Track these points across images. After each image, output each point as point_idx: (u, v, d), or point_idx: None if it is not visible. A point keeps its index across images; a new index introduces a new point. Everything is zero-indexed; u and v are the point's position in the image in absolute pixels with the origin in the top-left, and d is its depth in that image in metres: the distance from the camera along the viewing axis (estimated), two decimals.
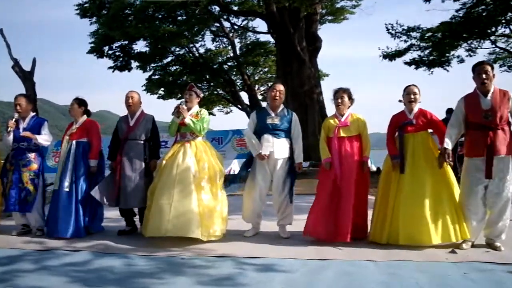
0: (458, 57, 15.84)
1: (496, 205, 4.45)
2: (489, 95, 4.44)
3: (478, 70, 4.51)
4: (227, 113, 30.41)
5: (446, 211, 4.53)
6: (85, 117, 5.66)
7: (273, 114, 5.28)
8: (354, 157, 4.86)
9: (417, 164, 4.65)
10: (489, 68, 4.48)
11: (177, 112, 5.17)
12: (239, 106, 24.95)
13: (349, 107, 5.10)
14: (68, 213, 5.24)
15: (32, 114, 5.76)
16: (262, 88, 27.12)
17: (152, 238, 4.92)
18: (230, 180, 6.63)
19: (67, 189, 5.28)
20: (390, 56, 16.09)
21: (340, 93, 5.06)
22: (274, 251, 4.57)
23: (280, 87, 5.37)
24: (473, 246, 4.57)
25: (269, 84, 28.82)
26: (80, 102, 5.65)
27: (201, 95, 5.44)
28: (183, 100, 5.35)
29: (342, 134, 4.94)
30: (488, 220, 4.55)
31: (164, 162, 5.11)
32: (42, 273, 3.90)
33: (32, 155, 5.54)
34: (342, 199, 4.75)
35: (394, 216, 4.62)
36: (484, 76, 4.44)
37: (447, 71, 15.97)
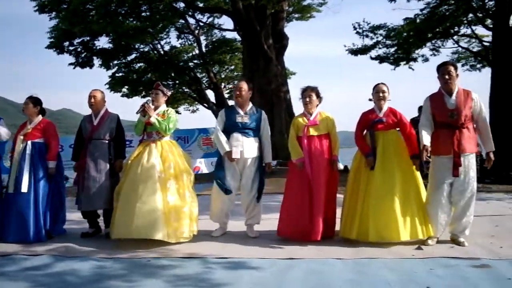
0: (422, 56, 16.23)
1: (460, 201, 4.61)
2: (454, 94, 4.61)
3: (442, 70, 4.67)
4: (193, 111, 30.18)
5: (414, 208, 4.66)
6: (40, 117, 5.49)
7: (242, 113, 5.28)
8: (324, 155, 4.92)
9: (387, 161, 4.74)
10: (452, 68, 4.64)
11: (142, 110, 5.10)
12: (205, 104, 24.80)
13: (317, 105, 5.15)
14: (27, 217, 5.07)
15: None
16: (228, 86, 27.08)
17: (117, 240, 4.84)
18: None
19: (24, 191, 5.10)
20: (356, 51, 16.37)
21: (308, 92, 5.10)
22: (242, 250, 4.57)
23: (244, 85, 5.37)
24: (438, 242, 4.70)
25: (236, 82, 28.86)
26: (35, 101, 5.47)
27: (168, 93, 5.38)
28: (149, 98, 5.28)
29: (312, 132, 4.98)
30: (453, 217, 4.70)
31: (129, 162, 5.05)
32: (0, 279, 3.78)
33: None
34: (313, 198, 4.79)
35: (364, 212, 4.71)
36: (447, 76, 4.61)
37: (412, 69, 16.33)
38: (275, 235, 5.05)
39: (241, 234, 5.32)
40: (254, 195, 5.21)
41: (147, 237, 4.66)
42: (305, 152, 4.92)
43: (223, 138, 5.22)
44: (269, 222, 5.49)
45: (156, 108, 5.22)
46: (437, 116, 4.67)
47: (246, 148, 5.16)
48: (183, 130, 12.99)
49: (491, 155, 4.66)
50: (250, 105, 5.38)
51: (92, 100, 5.41)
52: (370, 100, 5.04)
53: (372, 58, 16.26)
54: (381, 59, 16.07)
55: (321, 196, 4.79)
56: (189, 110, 30.35)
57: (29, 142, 5.32)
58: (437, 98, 4.69)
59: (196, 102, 27.56)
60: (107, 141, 5.36)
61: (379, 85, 4.97)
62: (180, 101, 27.97)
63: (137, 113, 5.15)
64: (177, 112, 29.90)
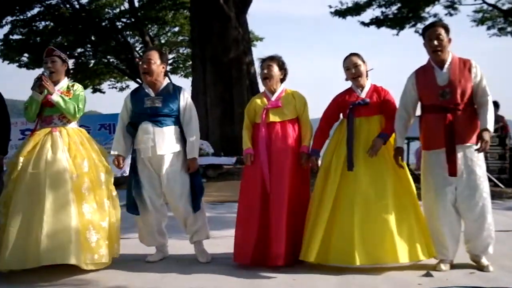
0: (434, 15, 16.49)
1: (471, 211, 4.61)
2: (446, 66, 4.63)
3: (429, 34, 4.67)
4: (121, 89, 29.98)
5: (411, 220, 4.70)
6: None
7: (152, 94, 5.22)
8: (289, 149, 4.92)
9: (374, 159, 4.77)
10: (442, 30, 4.64)
11: (39, 85, 4.95)
12: (138, 79, 24.58)
13: (281, 80, 5.18)
14: None
15: None
16: (171, 56, 26.93)
17: (10, 271, 4.70)
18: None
19: None
20: (344, 12, 16.47)
21: (267, 62, 5.11)
22: (187, 282, 4.55)
23: (153, 55, 5.26)
24: (453, 266, 4.76)
25: (181, 50, 28.71)
26: None
27: (69, 61, 5.24)
28: (46, 70, 5.11)
29: (272, 118, 4.99)
30: (466, 232, 4.73)
31: (21, 159, 4.86)
32: None
33: None
34: (272, 209, 4.80)
35: (339, 227, 4.69)
36: (436, 42, 4.61)
37: (419, 33, 16.61)
38: (232, 258, 5.04)
39: (188, 257, 5.30)
40: (187, 205, 5.15)
41: (58, 262, 4.55)
42: (262, 145, 4.92)
43: (118, 133, 5.27)
44: (226, 240, 5.47)
45: (55, 83, 5.09)
46: (425, 98, 4.72)
47: (158, 141, 5.08)
48: (108, 116, 12.83)
49: (484, 135, 4.46)
50: (165, 82, 5.33)
51: None
52: (346, 80, 5.08)
53: (364, 24, 16.43)
54: (378, 21, 16.24)
55: (283, 205, 4.79)
56: (115, 88, 30.12)
57: None
58: (424, 73, 4.73)
59: (126, 77, 27.31)
60: None
61: (348, 58, 5.01)
62: (103, 75, 27.69)
63: (32, 89, 4.98)
64: (98, 90, 29.63)
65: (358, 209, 4.66)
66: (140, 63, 5.27)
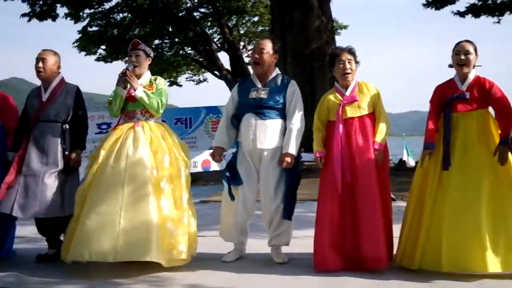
0: None
1: None
2: None
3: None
4: (198, 82, 30.41)
5: (510, 228, 4.55)
6: None
7: (259, 85, 5.27)
8: (371, 146, 4.88)
9: (470, 158, 4.66)
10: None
11: (123, 80, 5.13)
12: (216, 72, 24.91)
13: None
14: None
15: None
16: (250, 47, 27.05)
17: (85, 265, 4.88)
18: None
19: None
20: (435, 2, 16.09)
21: (346, 55, 5.06)
22: (263, 283, 4.59)
23: (266, 44, 5.31)
24: None
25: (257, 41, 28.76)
26: None
27: (152, 54, 5.40)
28: (130, 64, 5.26)
29: (350, 114, 4.95)
30: None
31: (102, 152, 5.04)
32: None
33: None
34: (362, 209, 4.76)
35: (432, 231, 4.65)
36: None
37: None
38: (311, 260, 5.01)
39: (264, 258, 5.34)
40: (280, 205, 5.14)
41: (134, 259, 4.69)
42: (340, 143, 4.88)
43: (222, 124, 5.35)
44: (304, 241, 5.48)
45: (138, 77, 5.24)
46: None
47: (259, 135, 5.11)
48: (185, 109, 13.07)
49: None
50: (274, 73, 5.35)
51: (40, 64, 5.41)
52: (450, 66, 4.96)
53: (460, 14, 15.99)
54: (474, 10, 15.73)
55: (377, 205, 4.76)
56: (193, 81, 30.58)
57: None
58: None
59: (204, 69, 27.65)
60: (60, 124, 5.40)
61: (461, 43, 4.88)
62: (180, 68, 28.13)
63: (117, 84, 5.17)
64: (175, 83, 30.12)
65: (448, 213, 4.58)
66: (252, 52, 5.34)
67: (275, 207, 5.13)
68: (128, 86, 5.11)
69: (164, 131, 5.21)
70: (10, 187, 5.12)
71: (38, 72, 5.41)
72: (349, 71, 5.01)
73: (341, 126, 4.92)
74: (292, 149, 5.06)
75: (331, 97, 5.07)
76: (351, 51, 5.09)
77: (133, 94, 5.09)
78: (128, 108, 5.23)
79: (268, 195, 5.14)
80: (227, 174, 5.24)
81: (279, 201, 5.12)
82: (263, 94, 5.18)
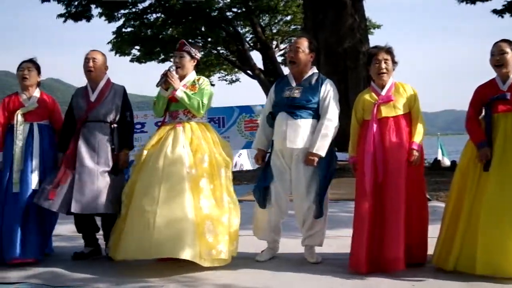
0: None
1: None
2: None
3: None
4: (231, 82, 30.47)
5: None
6: (38, 90, 5.69)
7: (293, 84, 5.27)
8: (405, 146, 4.85)
9: (509, 158, 4.59)
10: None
11: (164, 81, 5.18)
12: (249, 71, 24.92)
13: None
14: (13, 225, 5.23)
15: None
16: (282, 46, 27.05)
17: (122, 263, 4.97)
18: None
19: (35, 188, 5.29)
20: None
21: (383, 54, 5.02)
22: (297, 282, 4.59)
23: (302, 42, 5.30)
24: None
25: (293, 40, 28.76)
26: (39, 68, 5.70)
27: (198, 55, 5.42)
28: (173, 64, 5.35)
29: (385, 113, 4.92)
30: None
31: (145, 152, 5.14)
32: None
33: None
34: (387, 211, 4.74)
35: (470, 233, 4.60)
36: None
37: None
38: (345, 260, 5.02)
39: (298, 257, 5.34)
40: (312, 204, 5.11)
41: (170, 256, 4.76)
42: (373, 143, 4.85)
43: (260, 124, 5.38)
44: (339, 240, 5.47)
45: (182, 78, 5.29)
46: None
47: (290, 134, 5.08)
48: (218, 109, 13.12)
49: None
50: (311, 72, 5.33)
51: (91, 64, 5.47)
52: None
53: (496, 12, 15.77)
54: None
55: (401, 206, 4.70)
56: (226, 81, 30.68)
57: (35, 125, 5.54)
58: None
59: (236, 69, 27.70)
60: (108, 124, 5.48)
61: (496, 43, 4.80)
62: (213, 68, 28.22)
63: (157, 85, 5.23)
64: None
65: (484, 214, 4.52)
66: (287, 51, 5.36)
67: (307, 207, 5.12)
68: (171, 87, 5.16)
69: (205, 131, 5.25)
70: (60, 186, 5.21)
71: (89, 71, 5.50)
72: (384, 70, 4.98)
73: (375, 125, 4.89)
74: (317, 148, 5.03)
75: (367, 96, 5.05)
76: (388, 51, 5.04)
77: (174, 95, 5.14)
78: (171, 108, 5.28)
79: (299, 195, 5.14)
80: (256, 187, 5.31)
81: (311, 201, 5.10)
82: (296, 93, 5.17)
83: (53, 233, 5.79)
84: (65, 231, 6.32)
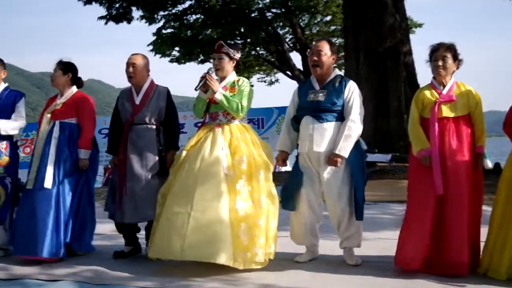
0: None
1: None
2: None
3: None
4: (271, 83, 30.47)
5: None
6: (74, 88, 5.78)
7: (317, 87, 5.23)
8: (465, 148, 4.76)
9: None
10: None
11: (204, 84, 5.20)
12: (288, 72, 24.90)
13: (453, 72, 5.00)
14: (43, 224, 5.29)
15: (4, 84, 5.86)
16: None
17: (162, 263, 5.02)
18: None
19: (48, 187, 5.34)
20: None
21: (441, 51, 4.94)
22: (337, 283, 4.58)
23: (323, 45, 5.22)
24: None
25: (333, 40, 28.67)
26: (66, 68, 5.75)
27: (237, 55, 5.40)
28: (211, 67, 5.37)
29: (446, 113, 4.84)
30: None
31: (184, 153, 5.17)
32: None
33: (2, 144, 5.69)
34: (449, 213, 4.66)
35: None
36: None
37: None
38: (385, 263, 5.00)
39: (337, 259, 5.32)
40: (346, 206, 5.08)
41: (204, 260, 4.77)
42: (435, 142, 4.78)
43: (284, 127, 5.37)
44: (379, 243, 5.43)
45: (221, 79, 5.31)
46: None
47: (316, 138, 5.04)
48: (257, 110, 13.13)
49: None
50: (333, 75, 5.27)
51: (131, 69, 5.51)
52: None
53: None
54: None
55: (463, 209, 4.63)
56: (265, 82, 30.69)
57: (57, 123, 5.61)
58: None
59: (276, 70, 27.69)
60: (154, 126, 5.53)
61: None
62: (252, 69, 28.26)
63: (196, 89, 5.25)
64: None
65: None
66: (309, 54, 5.31)
67: (340, 209, 5.09)
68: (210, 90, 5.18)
69: (245, 132, 5.24)
70: (121, 195, 5.37)
71: (129, 77, 5.56)
72: (441, 67, 4.91)
73: (436, 124, 4.82)
74: (340, 149, 4.97)
75: (427, 92, 4.96)
76: (449, 48, 4.95)
77: (213, 97, 5.15)
78: (211, 110, 5.30)
79: (332, 198, 5.11)
80: (284, 191, 5.33)
81: (344, 203, 5.07)
82: (321, 97, 5.13)
83: (94, 232, 5.87)
84: (106, 230, 6.40)
